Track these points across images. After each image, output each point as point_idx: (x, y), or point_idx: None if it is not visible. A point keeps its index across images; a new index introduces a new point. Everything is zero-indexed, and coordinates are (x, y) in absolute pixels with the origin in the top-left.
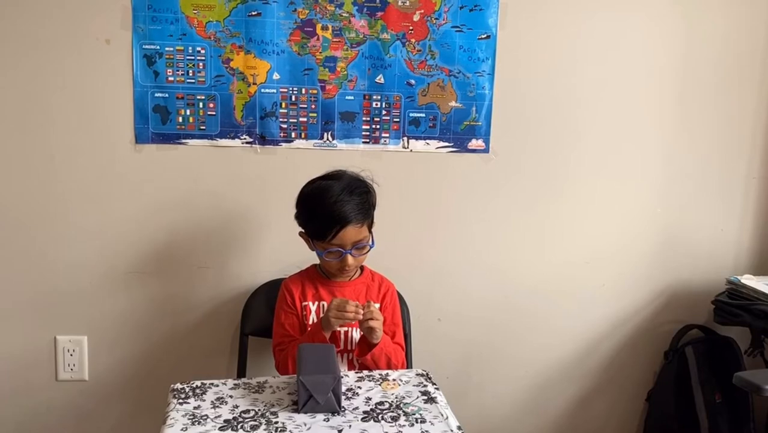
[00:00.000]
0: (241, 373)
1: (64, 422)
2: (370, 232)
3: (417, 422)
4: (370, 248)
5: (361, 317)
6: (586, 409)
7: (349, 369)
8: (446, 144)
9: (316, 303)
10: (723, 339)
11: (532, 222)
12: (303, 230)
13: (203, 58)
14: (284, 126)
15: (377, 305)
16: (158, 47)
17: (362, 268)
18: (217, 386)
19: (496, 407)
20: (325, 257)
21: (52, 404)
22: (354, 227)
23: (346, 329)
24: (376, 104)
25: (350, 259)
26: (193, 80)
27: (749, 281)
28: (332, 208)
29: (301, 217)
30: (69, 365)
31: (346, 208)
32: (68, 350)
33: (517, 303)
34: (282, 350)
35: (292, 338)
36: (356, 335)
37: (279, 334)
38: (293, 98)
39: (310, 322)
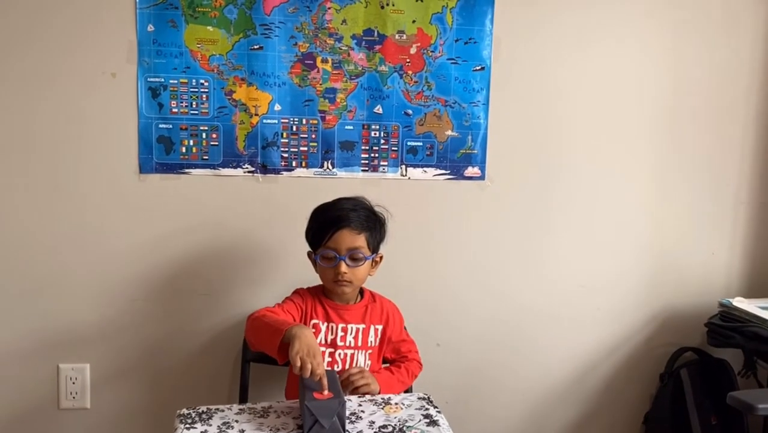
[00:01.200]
0: (242, 400)
1: None
2: (371, 251)
3: None
4: (366, 260)
5: (307, 374)
6: (583, 432)
7: (351, 393)
8: (443, 172)
9: (326, 324)
10: (717, 361)
11: (527, 247)
12: (309, 248)
13: (206, 90)
14: (285, 155)
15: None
16: (163, 80)
17: (363, 292)
18: (223, 411)
19: (494, 431)
20: (320, 262)
21: None
22: (350, 231)
23: (353, 351)
24: (375, 134)
25: (343, 266)
26: (196, 111)
27: (741, 303)
28: (333, 213)
29: (307, 230)
30: (71, 394)
31: (346, 214)
32: (71, 378)
33: (514, 328)
34: (263, 316)
35: (276, 314)
36: (361, 358)
37: (269, 309)
38: (294, 128)
39: (319, 340)
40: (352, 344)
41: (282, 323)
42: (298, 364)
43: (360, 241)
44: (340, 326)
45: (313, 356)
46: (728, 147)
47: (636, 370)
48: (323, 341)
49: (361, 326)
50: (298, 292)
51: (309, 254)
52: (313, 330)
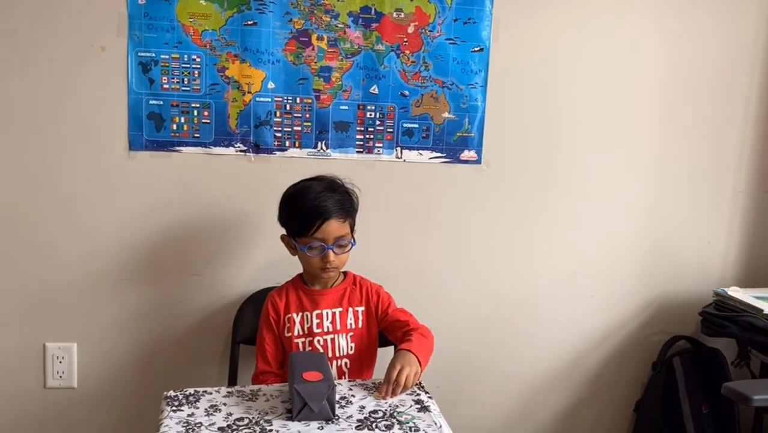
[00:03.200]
0: (231, 381)
1: (52, 431)
2: (352, 234)
3: (411, 431)
4: (352, 245)
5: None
6: (575, 419)
7: (338, 377)
8: (439, 155)
9: (300, 314)
10: (710, 350)
11: (523, 233)
12: (285, 232)
13: (198, 66)
14: (278, 135)
15: (403, 369)
16: (153, 55)
17: (345, 274)
18: (211, 393)
19: (486, 418)
20: (308, 252)
21: (40, 412)
22: (336, 221)
23: (332, 336)
24: (370, 114)
25: (332, 255)
26: (188, 88)
27: (736, 293)
28: (315, 203)
29: (283, 216)
30: (58, 373)
31: (329, 203)
32: (57, 357)
33: (507, 313)
34: (264, 382)
35: (276, 374)
36: (342, 342)
37: (263, 357)
38: (288, 107)
39: (295, 333)
40: (330, 329)
41: None
42: None
43: (345, 228)
44: (315, 312)
45: None
46: (727, 135)
47: (628, 358)
48: (300, 332)
49: (338, 310)
50: (266, 307)
51: (284, 238)
52: (289, 324)
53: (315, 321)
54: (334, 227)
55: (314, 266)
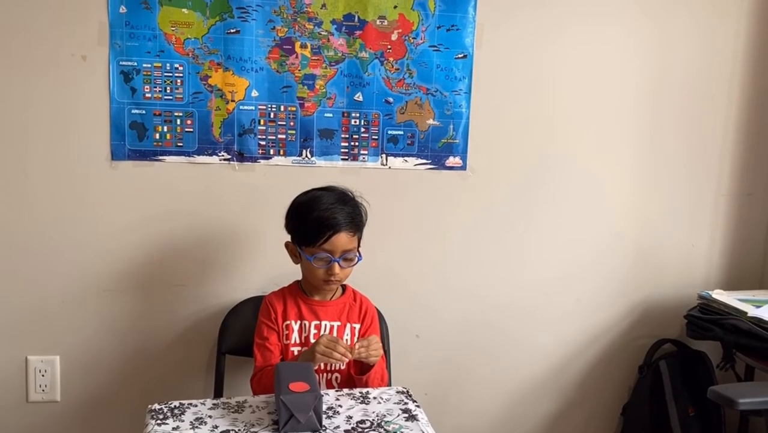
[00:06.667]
0: (218, 392)
1: None
2: (358, 248)
3: None
4: (358, 260)
5: (347, 359)
6: (562, 423)
7: (328, 389)
8: (424, 161)
9: (299, 322)
10: (695, 353)
11: (508, 238)
12: (291, 239)
13: (181, 74)
14: (263, 143)
15: (376, 338)
16: (135, 64)
17: (344, 287)
18: (196, 406)
19: (473, 424)
20: (314, 262)
21: (23, 427)
22: (346, 234)
23: None
24: (355, 122)
25: (337, 268)
26: (170, 97)
27: (720, 295)
28: (326, 214)
29: (291, 223)
30: (40, 386)
31: (340, 215)
32: (40, 371)
33: (494, 319)
34: (266, 375)
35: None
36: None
37: (262, 355)
38: (272, 115)
39: (292, 341)
40: None
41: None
42: (327, 358)
43: (354, 242)
44: (313, 323)
45: (325, 344)
46: (710, 139)
47: (615, 362)
48: (296, 340)
49: (336, 324)
50: (267, 306)
51: (288, 245)
52: (287, 332)
53: (313, 331)
54: (344, 240)
55: (317, 277)
